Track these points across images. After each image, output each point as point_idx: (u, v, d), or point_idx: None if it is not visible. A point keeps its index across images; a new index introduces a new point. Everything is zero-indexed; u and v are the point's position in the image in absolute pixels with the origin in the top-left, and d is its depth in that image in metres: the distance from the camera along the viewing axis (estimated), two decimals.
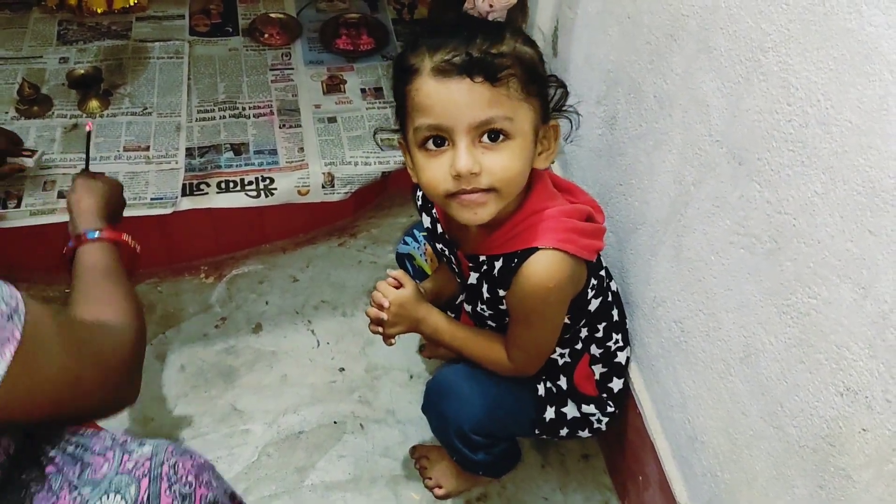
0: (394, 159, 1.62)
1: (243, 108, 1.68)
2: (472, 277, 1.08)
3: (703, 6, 0.92)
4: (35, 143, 1.55)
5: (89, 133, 1.30)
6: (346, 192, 1.61)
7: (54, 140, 1.57)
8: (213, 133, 1.62)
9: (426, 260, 1.36)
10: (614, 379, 1.17)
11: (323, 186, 1.58)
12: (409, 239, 1.38)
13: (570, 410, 1.17)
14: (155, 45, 1.78)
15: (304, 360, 1.50)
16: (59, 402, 0.75)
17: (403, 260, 1.38)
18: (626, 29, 1.15)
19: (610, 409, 1.18)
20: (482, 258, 1.04)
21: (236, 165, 1.58)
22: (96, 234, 1.00)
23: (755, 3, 0.82)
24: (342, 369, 1.49)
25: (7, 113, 1.62)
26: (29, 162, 1.47)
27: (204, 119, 1.65)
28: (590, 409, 1.17)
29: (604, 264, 1.14)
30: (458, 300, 1.23)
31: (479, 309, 1.11)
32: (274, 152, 1.60)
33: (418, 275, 1.35)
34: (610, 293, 1.15)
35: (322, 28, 1.89)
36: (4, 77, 1.69)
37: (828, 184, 0.74)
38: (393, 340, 1.13)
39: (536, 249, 0.95)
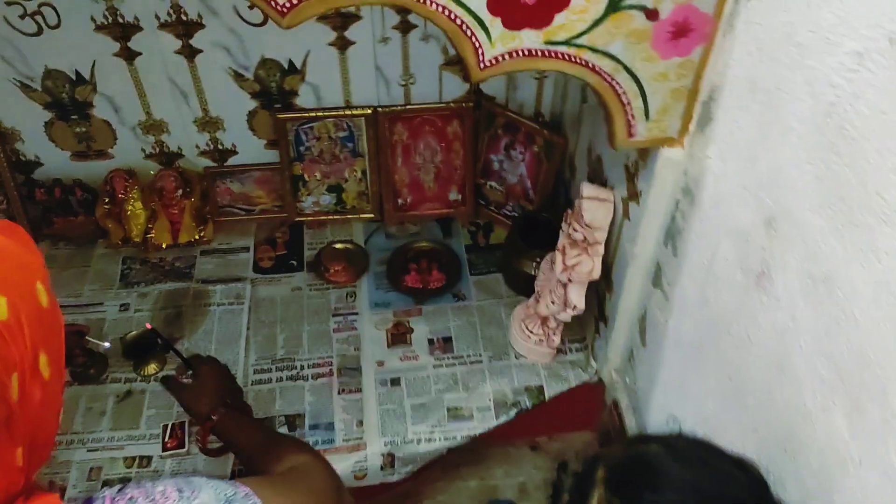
0: (460, 433, 1.47)
1: (301, 367, 1.57)
2: None
3: None
4: (83, 419, 1.48)
5: (153, 330, 1.41)
6: (406, 472, 1.46)
7: (104, 413, 1.49)
8: (268, 401, 1.51)
9: None
10: None
11: (382, 468, 1.44)
12: None
13: None
14: (216, 287, 1.71)
15: None
16: None
17: None
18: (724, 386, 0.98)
19: None
20: None
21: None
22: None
23: None
24: None
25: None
26: (105, 345, 1.49)
27: (260, 381, 1.54)
28: None
29: None
30: None
31: None
32: (331, 426, 1.47)
33: None
34: None
35: (390, 260, 1.78)
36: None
37: None
38: None
39: None
